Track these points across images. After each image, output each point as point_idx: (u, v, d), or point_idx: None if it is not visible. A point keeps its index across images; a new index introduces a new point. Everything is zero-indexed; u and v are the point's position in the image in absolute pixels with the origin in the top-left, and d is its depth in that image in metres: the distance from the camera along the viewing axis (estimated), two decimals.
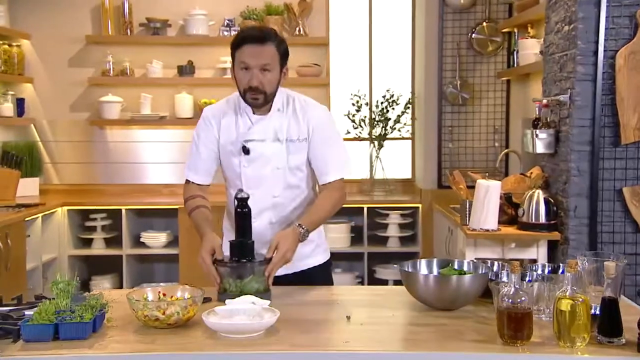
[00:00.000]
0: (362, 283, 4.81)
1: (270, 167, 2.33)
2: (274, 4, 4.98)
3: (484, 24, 4.72)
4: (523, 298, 1.71)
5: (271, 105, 2.33)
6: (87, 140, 5.04)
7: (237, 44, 2.26)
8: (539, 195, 3.25)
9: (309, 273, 2.43)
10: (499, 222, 3.32)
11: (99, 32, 4.92)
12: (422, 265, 2.12)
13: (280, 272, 2.18)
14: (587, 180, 3.11)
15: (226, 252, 2.18)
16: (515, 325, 1.69)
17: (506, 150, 4.37)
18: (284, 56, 2.29)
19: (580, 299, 1.66)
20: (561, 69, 3.25)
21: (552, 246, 3.29)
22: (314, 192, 2.45)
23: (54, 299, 1.74)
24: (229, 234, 2.38)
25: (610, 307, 1.69)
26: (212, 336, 1.73)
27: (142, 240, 4.73)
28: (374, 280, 4.79)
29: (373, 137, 5.04)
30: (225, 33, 4.96)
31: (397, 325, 1.91)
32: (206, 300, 2.02)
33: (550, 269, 2.12)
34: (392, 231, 4.88)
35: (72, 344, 1.64)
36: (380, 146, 5.04)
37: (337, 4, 5.20)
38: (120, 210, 4.60)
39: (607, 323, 1.69)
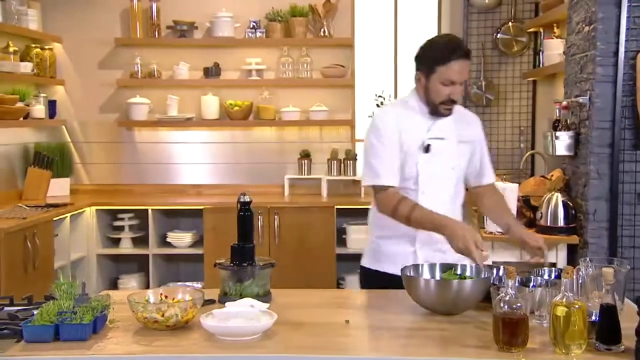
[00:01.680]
0: None
1: (446, 166, 2.40)
2: (299, 5, 5.01)
3: (510, 23, 4.67)
4: (519, 304, 1.69)
5: None
6: (116, 141, 5.15)
7: (444, 59, 2.26)
8: (558, 198, 3.20)
9: None
10: None
11: (127, 34, 5.02)
12: (425, 270, 2.11)
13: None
14: (606, 183, 3.05)
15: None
16: (511, 331, 1.68)
17: (530, 152, 4.31)
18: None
19: (577, 305, 1.64)
20: (581, 70, 3.20)
21: (572, 250, 3.24)
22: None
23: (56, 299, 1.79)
24: (384, 245, 2.44)
25: (608, 314, 1.66)
26: (209, 338, 1.76)
27: (168, 240, 4.81)
28: None
29: None
30: (251, 35, 5.01)
31: (396, 329, 1.90)
32: (209, 302, 2.05)
33: (556, 274, 2.10)
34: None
35: (71, 345, 1.69)
36: None
37: (362, 5, 5.20)
38: (147, 210, 4.69)
39: (605, 330, 1.67)
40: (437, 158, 2.37)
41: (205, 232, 4.65)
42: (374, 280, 2.45)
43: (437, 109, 2.34)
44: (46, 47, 4.90)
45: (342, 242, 4.75)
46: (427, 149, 2.35)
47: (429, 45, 2.35)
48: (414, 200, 2.31)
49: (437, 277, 2.09)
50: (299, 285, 4.23)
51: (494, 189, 2.56)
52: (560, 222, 3.18)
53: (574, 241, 3.18)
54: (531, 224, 3.33)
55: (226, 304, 1.87)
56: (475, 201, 2.63)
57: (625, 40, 2.96)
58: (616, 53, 2.97)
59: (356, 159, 5.04)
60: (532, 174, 4.59)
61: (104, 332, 1.79)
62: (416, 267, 2.12)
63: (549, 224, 3.20)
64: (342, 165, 5.00)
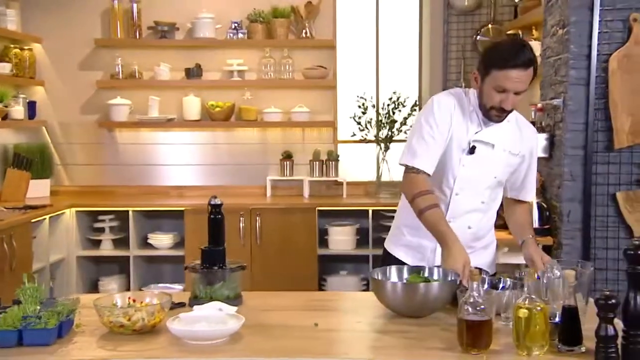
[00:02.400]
0: (367, 286, 4.82)
1: (488, 173, 2.32)
2: (280, 6, 5.01)
3: (489, 26, 4.70)
4: (483, 306, 1.71)
5: None
6: (96, 142, 5.13)
7: (500, 65, 2.14)
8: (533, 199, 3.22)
9: None
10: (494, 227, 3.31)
11: (108, 35, 5.00)
12: (393, 273, 2.13)
13: None
14: (580, 185, 3.08)
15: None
16: (474, 334, 1.69)
17: None
18: (535, 75, 2.22)
19: (538, 307, 1.66)
20: (556, 72, 3.23)
21: (547, 251, 3.26)
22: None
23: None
24: (408, 233, 2.41)
25: (570, 316, 1.68)
26: (175, 342, 1.76)
27: (149, 241, 4.80)
28: None
29: (379, 139, 5.04)
30: (232, 36, 5.01)
31: (364, 332, 1.92)
32: (179, 305, 2.06)
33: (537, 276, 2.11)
34: None
35: (35, 350, 1.68)
36: (387, 148, 5.03)
37: (343, 6, 5.21)
38: (128, 211, 4.67)
39: (567, 331, 1.69)
40: (481, 163, 2.28)
41: (186, 233, 4.64)
42: (391, 264, 2.34)
43: (488, 113, 2.23)
44: (25, 47, 4.88)
45: (324, 243, 4.76)
46: (472, 150, 2.26)
47: (493, 46, 2.27)
48: (436, 200, 2.23)
49: (404, 280, 2.10)
50: (281, 286, 4.22)
51: (528, 208, 2.49)
52: (535, 224, 3.20)
53: (549, 242, 3.21)
54: (506, 225, 3.35)
55: (194, 307, 1.87)
56: (505, 209, 2.52)
57: (598, 44, 2.99)
58: (589, 56, 3.00)
59: (338, 160, 5.05)
60: None
61: (69, 337, 1.79)
62: (384, 270, 2.14)
63: None
64: (324, 166, 5.01)
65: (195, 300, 2.06)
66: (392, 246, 2.50)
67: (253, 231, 4.62)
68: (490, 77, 2.17)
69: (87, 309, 1.93)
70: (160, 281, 4.96)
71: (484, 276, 2.13)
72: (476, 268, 1.98)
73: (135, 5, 4.96)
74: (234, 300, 2.08)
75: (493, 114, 2.22)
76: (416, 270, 2.14)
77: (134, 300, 1.90)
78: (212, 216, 2.14)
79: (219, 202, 2.15)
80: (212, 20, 4.96)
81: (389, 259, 2.47)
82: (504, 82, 2.13)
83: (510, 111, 2.25)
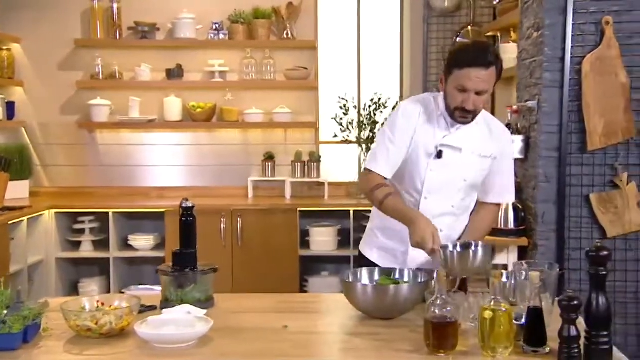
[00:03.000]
0: None
1: (457, 176, 2.32)
2: (261, 7, 5.01)
3: (469, 27, 4.72)
4: (449, 308, 1.73)
5: None
6: (77, 143, 5.10)
7: (458, 63, 2.17)
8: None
9: None
10: None
11: (88, 36, 4.98)
12: (364, 275, 2.14)
13: None
14: (554, 186, 3.11)
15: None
16: (440, 335, 1.71)
17: None
18: (499, 77, 2.24)
19: (503, 309, 1.67)
20: (531, 75, 3.25)
21: (523, 252, 3.29)
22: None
23: None
24: (381, 236, 2.42)
25: (535, 317, 1.70)
26: (143, 346, 1.76)
27: (129, 242, 4.78)
28: None
29: (361, 140, 5.05)
30: (213, 36, 5.00)
31: (333, 334, 1.93)
32: (151, 308, 2.05)
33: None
34: None
35: (0, 355, 1.67)
36: (368, 149, 5.04)
37: (325, 8, 5.22)
38: (108, 213, 4.65)
39: (532, 332, 1.71)
40: (449, 167, 2.29)
41: (167, 234, 4.63)
42: (366, 266, 2.37)
43: (453, 115, 2.24)
44: (4, 47, 4.84)
45: (305, 244, 4.76)
46: (439, 154, 2.27)
47: (457, 47, 2.29)
48: (392, 189, 2.28)
49: (375, 282, 2.12)
50: (262, 287, 4.23)
51: (491, 213, 2.45)
52: (511, 225, 3.24)
53: (524, 243, 3.23)
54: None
55: (163, 310, 1.87)
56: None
57: (571, 47, 3.01)
58: (563, 59, 3.03)
59: (320, 161, 5.06)
60: None
61: (35, 341, 1.78)
62: (355, 272, 2.15)
63: (500, 226, 3.25)
64: (306, 167, 5.01)
65: (167, 303, 2.06)
66: (367, 248, 2.52)
67: (234, 232, 4.61)
68: (452, 77, 2.19)
69: (57, 313, 1.92)
70: (141, 283, 4.94)
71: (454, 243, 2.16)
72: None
73: (115, 6, 4.94)
74: (206, 302, 2.08)
75: (458, 115, 2.23)
76: (387, 272, 2.15)
77: (102, 304, 1.90)
78: (183, 219, 2.14)
79: (191, 205, 2.15)
80: (193, 20, 4.95)
81: (363, 261, 2.48)
82: (465, 82, 2.16)
83: (476, 112, 2.24)
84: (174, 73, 4.99)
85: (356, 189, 5.04)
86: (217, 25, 5.00)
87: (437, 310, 1.72)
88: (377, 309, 1.98)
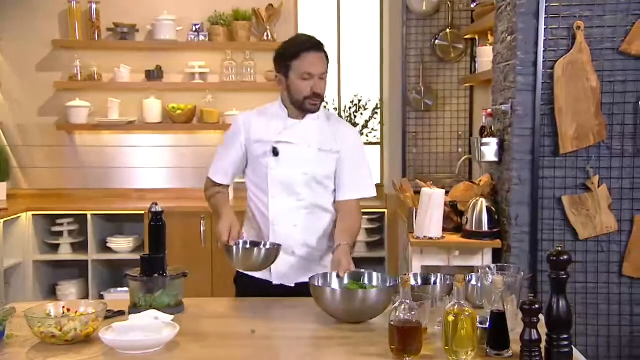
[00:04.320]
0: None
1: (297, 171, 2.39)
2: (241, 9, 5.01)
3: (447, 30, 4.74)
4: (413, 312, 1.74)
5: None
6: (55, 144, 5.07)
7: (294, 54, 2.31)
8: (482, 203, 3.28)
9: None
10: (446, 230, 3.35)
11: (66, 36, 4.95)
12: (333, 279, 2.15)
13: (303, 278, 2.30)
14: (528, 188, 3.13)
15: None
16: (404, 339, 1.72)
17: (465, 157, 4.39)
18: (328, 61, 2.39)
19: (467, 313, 1.69)
20: (505, 78, 3.28)
21: (497, 254, 3.31)
22: (334, 207, 2.49)
23: None
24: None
25: (497, 320, 1.72)
26: (108, 353, 1.75)
27: (108, 245, 4.76)
28: None
29: None
30: (194, 38, 4.99)
31: (301, 339, 1.93)
32: (119, 314, 2.05)
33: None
34: (360, 236, 4.90)
35: None
36: None
37: (305, 10, 5.23)
38: (86, 215, 4.63)
39: (495, 336, 1.72)
40: (287, 162, 2.38)
41: (147, 237, 4.60)
42: (245, 281, 2.49)
43: (304, 105, 2.35)
44: None
45: None
46: (274, 152, 2.37)
47: (281, 46, 2.40)
48: (221, 190, 2.48)
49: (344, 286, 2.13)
50: None
51: (350, 210, 2.44)
52: (485, 227, 3.26)
53: (498, 245, 3.25)
54: (458, 229, 3.40)
55: (129, 316, 1.87)
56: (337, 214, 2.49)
57: (544, 50, 3.04)
58: (535, 63, 3.05)
59: None
60: (470, 179, 4.67)
61: None
62: (325, 275, 2.16)
63: (474, 228, 3.27)
64: None
65: (135, 308, 2.05)
66: None
67: (215, 234, 4.59)
68: (293, 70, 2.32)
69: (24, 319, 1.91)
70: (120, 285, 4.91)
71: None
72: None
73: (94, 6, 4.92)
74: (175, 307, 2.08)
75: (309, 103, 2.34)
76: (356, 276, 2.16)
77: (68, 310, 1.89)
78: (152, 223, 2.14)
79: (160, 209, 2.15)
80: (173, 22, 4.94)
81: (242, 276, 2.53)
82: (307, 68, 2.29)
83: (322, 97, 2.36)
84: (154, 74, 4.98)
85: None
86: (197, 27, 5.00)
87: (401, 315, 1.73)
88: (346, 314, 1.99)
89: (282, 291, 2.39)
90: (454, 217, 3.41)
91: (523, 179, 3.14)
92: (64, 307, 1.89)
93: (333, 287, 2.10)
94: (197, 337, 1.89)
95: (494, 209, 3.27)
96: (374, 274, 2.17)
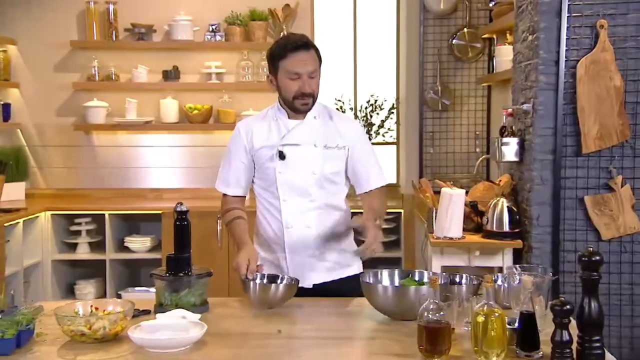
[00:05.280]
0: None
1: (306, 172, 2.37)
2: (258, 9, 5.01)
3: (465, 30, 4.73)
4: (442, 313, 1.73)
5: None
6: (73, 145, 5.10)
7: (281, 54, 2.29)
8: (503, 203, 3.26)
9: (345, 281, 2.46)
10: (466, 230, 3.34)
11: (84, 37, 4.98)
12: (384, 276, 2.17)
13: (320, 279, 2.36)
14: (549, 188, 3.11)
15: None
16: (433, 340, 1.71)
17: (483, 157, 4.37)
18: (320, 60, 2.37)
19: (496, 313, 1.68)
20: (526, 77, 3.26)
21: (518, 254, 3.29)
22: (347, 204, 2.51)
23: None
24: (258, 247, 2.49)
25: (527, 321, 1.70)
26: (137, 351, 1.76)
27: (126, 244, 4.78)
28: None
29: None
30: (210, 38, 5.00)
31: (326, 338, 1.92)
32: (145, 312, 2.06)
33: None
34: None
35: None
36: None
37: (321, 10, 5.22)
38: (104, 214, 4.65)
39: (525, 337, 1.71)
40: (295, 164, 2.36)
41: (164, 236, 4.62)
42: None
43: (295, 106, 2.33)
44: (0, 49, 4.83)
45: None
46: (281, 155, 2.36)
47: (272, 46, 2.39)
48: (237, 214, 2.46)
49: (396, 283, 2.16)
50: None
51: (374, 193, 2.49)
52: (506, 227, 3.24)
53: (519, 246, 3.23)
54: (478, 229, 3.38)
55: (157, 315, 1.87)
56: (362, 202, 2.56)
57: (566, 49, 3.02)
58: (557, 62, 3.03)
59: None
60: (488, 179, 4.65)
61: (28, 346, 1.78)
62: (375, 273, 2.18)
63: (494, 229, 3.25)
64: None
65: (161, 307, 2.06)
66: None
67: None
68: (281, 70, 2.31)
69: (50, 317, 1.92)
70: (137, 285, 4.93)
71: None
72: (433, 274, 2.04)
73: (111, 7, 4.94)
74: (200, 307, 2.08)
75: (299, 103, 2.33)
76: (406, 274, 2.19)
77: (96, 308, 1.90)
78: (177, 223, 2.14)
79: (185, 209, 2.15)
80: (190, 22, 4.95)
81: None
82: (294, 67, 2.28)
83: (314, 95, 2.33)
84: (171, 74, 4.99)
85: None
86: (213, 27, 5.01)
87: (430, 315, 1.72)
88: (400, 310, 2.01)
89: (301, 293, 2.37)
90: (474, 217, 3.40)
91: (545, 178, 3.11)
92: (92, 306, 1.90)
93: (386, 285, 2.12)
94: (223, 336, 1.89)
95: (515, 209, 3.25)
96: (424, 272, 2.18)
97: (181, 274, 2.09)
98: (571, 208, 3.10)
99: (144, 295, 4.49)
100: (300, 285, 2.39)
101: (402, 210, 4.87)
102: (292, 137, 2.37)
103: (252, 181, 2.50)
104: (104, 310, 1.89)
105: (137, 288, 4.83)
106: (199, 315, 1.90)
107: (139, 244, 4.76)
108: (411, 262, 4.78)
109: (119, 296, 4.60)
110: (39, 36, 4.99)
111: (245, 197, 2.54)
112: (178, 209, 2.15)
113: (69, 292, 4.79)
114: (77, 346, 1.78)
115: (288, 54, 2.27)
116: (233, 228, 2.46)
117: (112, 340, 1.82)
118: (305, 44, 2.30)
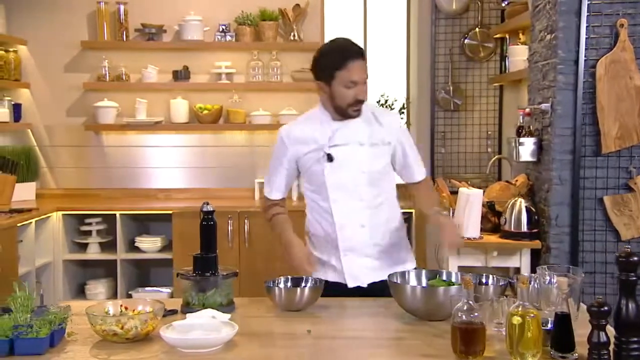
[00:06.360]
0: None
1: (355, 171, 2.38)
2: (268, 9, 5.00)
3: (476, 29, 4.72)
4: (476, 314, 1.72)
5: None
6: (83, 145, 5.09)
7: (340, 64, 2.29)
8: (521, 203, 3.25)
9: None
10: (483, 231, 3.33)
11: (94, 37, 4.97)
12: (412, 277, 2.17)
13: (376, 277, 2.37)
14: (568, 188, 3.11)
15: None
16: (468, 341, 1.70)
17: (496, 157, 4.37)
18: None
19: (532, 315, 1.67)
20: (544, 77, 3.25)
21: (536, 255, 3.29)
22: (397, 199, 2.56)
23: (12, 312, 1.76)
24: (311, 247, 2.49)
25: (562, 323, 1.69)
26: (169, 351, 1.75)
27: (136, 244, 4.76)
28: None
29: None
30: (220, 38, 4.99)
31: (357, 339, 1.91)
32: (171, 312, 2.05)
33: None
34: None
35: (27, 359, 1.66)
36: None
37: (331, 9, 5.22)
38: (115, 214, 4.64)
39: (560, 338, 1.70)
40: (344, 165, 2.37)
41: (174, 236, 4.61)
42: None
43: (346, 112, 2.35)
44: (10, 49, 4.83)
45: None
46: (329, 157, 2.37)
47: (322, 54, 2.38)
48: (281, 210, 2.51)
49: (424, 283, 2.16)
50: None
51: (425, 185, 2.59)
52: (524, 227, 3.23)
53: (537, 246, 3.23)
54: (496, 229, 3.38)
55: (187, 315, 1.86)
56: (412, 195, 2.68)
57: (585, 49, 3.01)
58: (576, 61, 3.03)
59: None
60: (499, 179, 4.65)
61: (61, 346, 1.77)
62: (403, 274, 2.18)
63: (512, 229, 3.25)
64: None
65: (188, 307, 2.05)
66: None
67: (242, 234, 4.60)
68: (337, 79, 2.31)
69: (77, 317, 1.92)
70: (147, 285, 4.93)
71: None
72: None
73: (122, 7, 4.94)
74: (227, 307, 2.08)
75: (352, 110, 2.35)
76: (434, 274, 2.19)
77: (126, 308, 1.89)
78: (204, 223, 2.13)
79: (211, 209, 2.14)
80: (200, 22, 4.94)
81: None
82: (352, 76, 2.30)
83: (363, 102, 2.37)
84: (181, 75, 4.98)
85: None
86: (224, 27, 5.00)
87: (464, 316, 1.71)
88: (427, 311, 2.00)
89: (357, 293, 2.38)
90: (491, 217, 3.39)
91: (563, 178, 3.11)
92: (122, 305, 1.89)
93: (414, 285, 2.11)
94: (251, 336, 1.88)
95: (533, 209, 3.24)
96: (452, 272, 2.18)
97: (208, 274, 2.08)
98: (590, 208, 3.10)
99: (155, 296, 4.49)
100: (356, 284, 2.41)
101: (412, 211, 4.86)
102: (338, 138, 2.38)
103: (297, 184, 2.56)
104: (134, 310, 1.88)
105: (147, 288, 4.84)
106: (228, 315, 1.89)
107: (150, 244, 4.75)
108: (422, 262, 4.76)
109: (129, 296, 4.59)
110: (49, 36, 4.98)
111: (284, 199, 2.58)
112: (204, 209, 2.14)
113: (80, 292, 4.78)
114: (109, 346, 1.78)
115: (347, 64, 2.28)
116: (276, 223, 2.51)
117: (143, 340, 1.81)
118: (361, 53, 2.34)
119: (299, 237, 2.46)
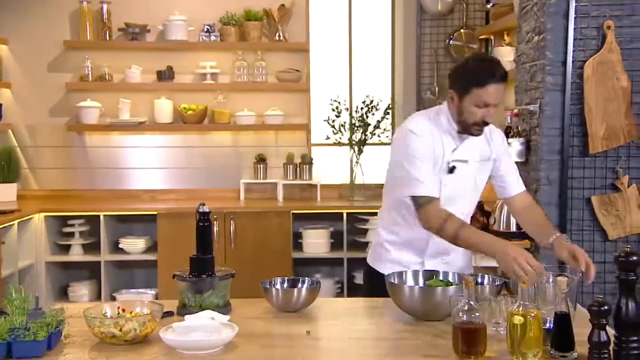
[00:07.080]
0: (341, 289, 4.82)
1: (469, 186, 2.41)
2: (253, 9, 4.99)
3: (461, 30, 4.76)
4: (478, 314, 1.73)
5: None
6: (66, 145, 5.02)
7: (481, 82, 2.20)
8: None
9: None
10: None
11: (77, 37, 4.91)
12: (409, 277, 2.18)
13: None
14: (556, 189, 3.14)
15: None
16: (469, 341, 1.71)
17: None
18: None
19: (532, 314, 1.68)
20: (531, 78, 3.28)
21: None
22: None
23: (8, 314, 1.73)
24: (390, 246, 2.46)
25: (562, 322, 1.71)
26: (169, 353, 1.73)
27: (120, 246, 4.71)
28: (353, 286, 4.80)
29: (353, 142, 5.05)
30: (205, 38, 4.96)
31: (356, 339, 1.91)
32: (168, 314, 2.02)
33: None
34: (372, 237, 4.88)
35: None
36: (360, 151, 5.05)
37: (316, 10, 5.22)
38: (99, 216, 4.59)
39: (560, 337, 1.71)
40: (459, 179, 2.37)
41: (159, 238, 4.57)
42: (377, 280, 2.37)
43: (469, 129, 2.31)
44: None
45: (298, 246, 4.75)
46: (451, 170, 2.34)
47: (466, 65, 2.32)
48: (460, 219, 2.27)
49: (421, 284, 2.16)
50: (256, 290, 4.19)
51: (529, 202, 2.52)
52: (513, 227, 3.26)
53: (526, 246, 3.24)
54: (485, 229, 3.39)
55: (186, 317, 1.84)
56: (512, 212, 2.62)
57: (573, 50, 3.05)
58: (564, 62, 3.06)
59: (312, 163, 5.05)
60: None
61: (58, 348, 1.74)
62: (400, 274, 2.18)
63: (501, 229, 3.27)
64: (298, 169, 5.00)
65: (184, 309, 2.03)
66: (377, 262, 2.54)
67: (227, 235, 4.58)
68: (470, 95, 2.24)
69: (73, 319, 1.88)
70: (132, 286, 4.88)
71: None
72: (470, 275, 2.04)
73: (105, 7, 4.88)
74: (224, 308, 2.06)
75: (475, 129, 2.31)
76: (430, 275, 2.19)
77: (123, 310, 1.87)
78: (200, 224, 2.11)
79: (207, 210, 2.12)
80: (185, 22, 4.91)
81: (374, 275, 2.50)
82: (487, 98, 2.23)
83: (488, 124, 2.32)
84: (165, 75, 4.94)
85: (348, 191, 5.04)
86: (208, 27, 4.97)
87: (465, 316, 1.72)
88: (424, 311, 2.00)
89: None
90: (480, 217, 3.41)
91: (551, 179, 3.14)
92: (119, 307, 1.87)
93: (411, 285, 2.12)
94: (251, 337, 1.87)
95: None
96: (449, 272, 2.19)
97: (204, 275, 2.07)
98: (578, 208, 3.13)
99: (140, 297, 4.44)
100: None
101: None
102: (463, 152, 2.36)
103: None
104: (131, 312, 1.86)
105: (131, 290, 4.79)
106: (227, 317, 1.88)
107: (134, 246, 4.71)
108: None
109: (113, 298, 4.54)
110: (31, 36, 4.90)
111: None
112: (200, 210, 2.12)
113: (63, 294, 4.71)
114: (108, 348, 1.75)
115: (487, 85, 2.20)
116: (471, 232, 2.23)
117: (142, 342, 1.79)
118: (504, 76, 2.24)
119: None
